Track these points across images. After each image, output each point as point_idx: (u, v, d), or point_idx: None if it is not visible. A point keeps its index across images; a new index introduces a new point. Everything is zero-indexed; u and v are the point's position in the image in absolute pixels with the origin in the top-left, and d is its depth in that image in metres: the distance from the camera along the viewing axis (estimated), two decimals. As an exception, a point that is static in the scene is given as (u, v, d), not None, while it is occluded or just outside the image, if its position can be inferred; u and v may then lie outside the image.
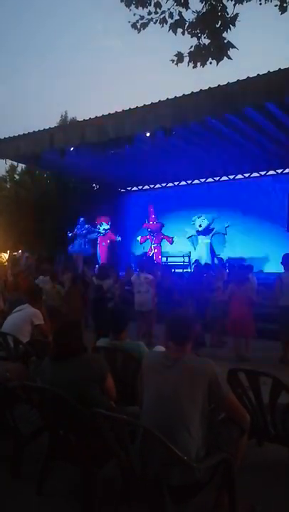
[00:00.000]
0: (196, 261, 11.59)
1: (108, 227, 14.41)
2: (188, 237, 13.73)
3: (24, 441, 3.13)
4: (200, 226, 13.30)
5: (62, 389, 2.62)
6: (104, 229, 14.34)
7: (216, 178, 14.35)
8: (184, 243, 14.06)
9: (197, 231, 13.44)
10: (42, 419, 2.98)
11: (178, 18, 4.32)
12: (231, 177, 14.05)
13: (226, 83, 7.61)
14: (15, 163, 20.21)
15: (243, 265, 8.47)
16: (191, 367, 2.36)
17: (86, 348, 2.97)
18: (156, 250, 13.92)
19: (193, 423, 2.27)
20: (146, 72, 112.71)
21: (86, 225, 14.11)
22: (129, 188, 16.55)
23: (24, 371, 3.94)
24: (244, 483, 2.65)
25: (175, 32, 4.34)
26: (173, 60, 4.44)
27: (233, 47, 4.29)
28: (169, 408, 2.28)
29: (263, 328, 8.07)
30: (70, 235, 14.02)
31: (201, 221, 13.28)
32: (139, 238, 14.65)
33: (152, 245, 13.99)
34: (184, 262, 13.99)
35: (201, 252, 13.20)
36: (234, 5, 4.22)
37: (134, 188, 16.43)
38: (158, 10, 4.33)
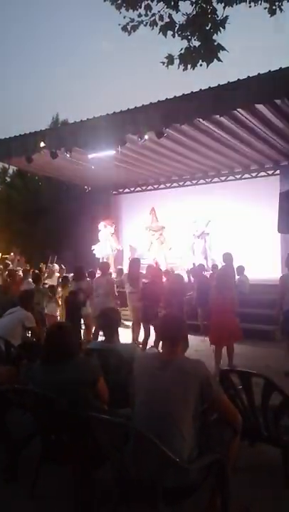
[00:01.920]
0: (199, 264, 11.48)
1: (113, 230, 14.36)
2: (187, 241, 13.68)
3: (20, 445, 3.11)
4: (196, 231, 13.34)
5: (54, 392, 2.61)
6: (109, 232, 14.31)
7: (208, 180, 14.39)
8: (178, 245, 14.06)
9: (193, 235, 13.46)
10: (35, 423, 2.97)
11: (168, 20, 4.33)
12: (223, 178, 14.09)
13: (216, 85, 7.64)
14: (6, 166, 20.16)
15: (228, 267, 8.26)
16: (182, 368, 2.37)
17: (78, 350, 2.96)
18: (159, 252, 13.88)
19: (185, 424, 2.27)
20: (137, 74, 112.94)
21: (107, 228, 14.13)
22: (121, 190, 16.53)
23: (15, 374, 3.92)
24: (237, 483, 2.65)
25: (165, 34, 4.35)
26: (163, 63, 4.46)
27: (223, 49, 4.32)
28: (161, 410, 2.28)
29: (258, 330, 8.13)
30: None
31: (197, 226, 13.31)
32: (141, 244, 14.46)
33: (155, 247, 13.94)
34: (178, 263, 14.02)
35: (197, 255, 13.21)
36: (224, 7, 4.25)
37: (127, 190, 16.42)
38: (148, 12, 4.34)
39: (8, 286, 8.65)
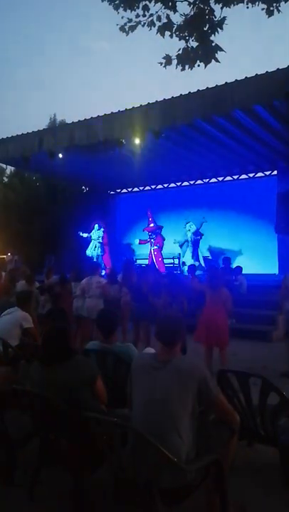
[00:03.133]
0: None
1: (102, 232, 14.50)
2: (180, 242, 13.70)
3: (16, 447, 3.10)
4: (189, 231, 13.36)
5: (52, 393, 2.61)
6: (99, 234, 14.46)
7: (206, 180, 14.41)
8: (174, 245, 14.08)
9: (187, 236, 13.47)
10: (32, 424, 2.96)
11: (166, 21, 4.35)
12: (220, 179, 14.11)
13: (214, 86, 7.66)
14: (4, 166, 20.12)
15: (218, 267, 8.16)
16: (180, 368, 2.37)
17: (76, 351, 2.96)
18: (156, 253, 13.90)
19: (183, 425, 2.27)
20: (135, 74, 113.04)
21: (99, 229, 14.28)
22: (118, 191, 16.54)
23: (13, 375, 3.91)
24: (234, 484, 2.65)
25: (163, 35, 4.37)
26: (161, 63, 4.47)
27: (221, 50, 4.33)
28: (159, 410, 2.28)
29: (255, 330, 8.14)
30: (86, 235, 14.22)
31: (190, 226, 13.32)
32: (137, 241, 14.60)
33: (152, 248, 13.98)
34: (173, 263, 14.05)
35: (191, 256, 13.23)
36: (221, 8, 4.26)
37: (124, 191, 16.42)
38: (146, 13, 4.36)
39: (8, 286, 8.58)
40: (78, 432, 2.54)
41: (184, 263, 12.69)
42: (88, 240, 14.57)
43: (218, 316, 5.88)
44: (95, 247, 14.39)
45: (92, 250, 14.36)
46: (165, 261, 13.91)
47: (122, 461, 2.26)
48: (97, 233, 14.40)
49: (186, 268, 12.54)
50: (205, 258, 13.18)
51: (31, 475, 2.87)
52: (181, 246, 13.55)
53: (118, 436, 2.26)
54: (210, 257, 13.33)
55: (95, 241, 14.41)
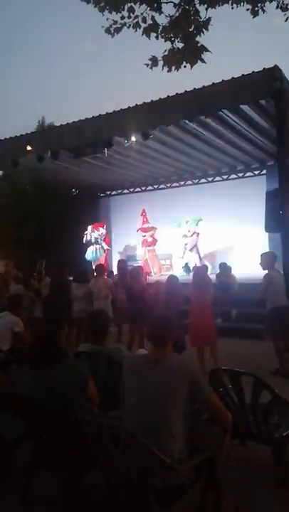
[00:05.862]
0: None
1: (102, 233, 14.49)
2: (177, 242, 13.71)
3: (9, 449, 3.08)
4: (188, 231, 13.38)
5: (44, 396, 2.59)
6: (101, 234, 14.44)
7: (195, 181, 14.43)
8: (166, 245, 14.10)
9: (185, 235, 13.49)
10: (24, 427, 2.94)
11: (151, 22, 4.34)
12: (210, 179, 14.14)
13: (201, 86, 7.69)
14: (-8, 169, 19.98)
15: (204, 267, 8.22)
16: (171, 368, 2.37)
17: (67, 354, 2.95)
18: (150, 254, 13.90)
19: (175, 424, 2.27)
20: (122, 76, 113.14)
21: (95, 232, 14.22)
22: (109, 193, 16.51)
23: (4, 379, 3.89)
24: (228, 482, 2.66)
25: (149, 36, 4.36)
26: (147, 64, 4.46)
27: (207, 50, 4.34)
28: (151, 410, 2.28)
29: (247, 328, 8.16)
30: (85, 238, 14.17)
31: (189, 226, 13.36)
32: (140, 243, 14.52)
33: (146, 249, 13.96)
34: (165, 263, 14.07)
35: (190, 256, 13.26)
36: (206, 9, 4.27)
37: (114, 192, 16.40)
38: (131, 14, 4.34)
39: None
40: (70, 434, 2.52)
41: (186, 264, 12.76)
42: (83, 243, 14.46)
43: (205, 314, 5.98)
44: (96, 249, 14.29)
45: (93, 253, 14.25)
46: (158, 262, 13.94)
47: (114, 462, 2.26)
48: (94, 235, 14.32)
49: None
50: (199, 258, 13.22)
51: (24, 477, 2.85)
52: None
53: (110, 438, 2.25)
54: (201, 257, 13.36)
55: (94, 243, 14.32)
